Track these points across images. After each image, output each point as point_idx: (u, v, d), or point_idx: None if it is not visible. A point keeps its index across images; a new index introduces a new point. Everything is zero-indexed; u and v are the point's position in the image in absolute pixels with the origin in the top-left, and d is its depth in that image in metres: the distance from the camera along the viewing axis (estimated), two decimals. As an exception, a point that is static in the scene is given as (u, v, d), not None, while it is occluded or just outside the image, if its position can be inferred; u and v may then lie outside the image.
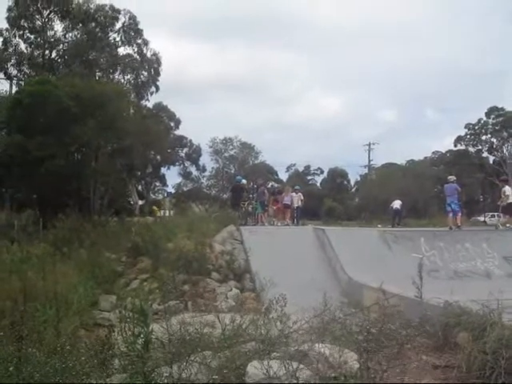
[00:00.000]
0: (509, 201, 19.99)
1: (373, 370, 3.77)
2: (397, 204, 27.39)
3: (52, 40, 33.06)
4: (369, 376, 3.62)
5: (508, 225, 19.72)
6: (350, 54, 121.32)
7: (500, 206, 20.46)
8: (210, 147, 70.39)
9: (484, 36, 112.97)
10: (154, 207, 28.29)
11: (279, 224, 21.82)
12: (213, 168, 71.71)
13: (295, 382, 3.60)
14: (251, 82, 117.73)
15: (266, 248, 14.84)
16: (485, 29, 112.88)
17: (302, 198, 24.15)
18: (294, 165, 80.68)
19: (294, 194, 23.73)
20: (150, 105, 39.67)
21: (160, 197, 55.24)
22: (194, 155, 61.82)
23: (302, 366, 3.96)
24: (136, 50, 34.77)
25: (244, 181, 23.20)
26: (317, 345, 4.33)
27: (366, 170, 74.14)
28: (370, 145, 72.20)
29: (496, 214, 51.11)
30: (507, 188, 20.38)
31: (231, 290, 13.66)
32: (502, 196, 20.13)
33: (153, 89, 36.72)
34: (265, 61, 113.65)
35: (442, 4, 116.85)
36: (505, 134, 63.75)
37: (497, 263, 15.30)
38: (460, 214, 19.43)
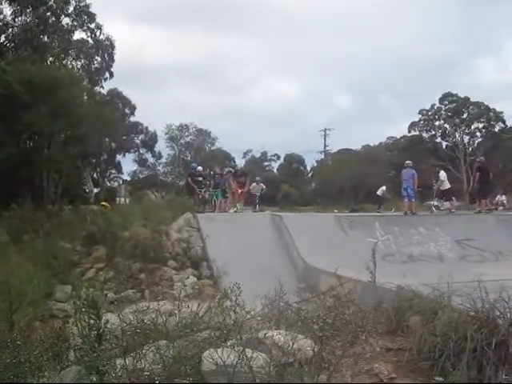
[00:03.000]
0: (445, 186, 20.51)
1: (327, 359, 3.82)
2: (379, 190, 27.71)
3: (0, 24, 32.03)
4: (323, 364, 3.66)
5: (442, 208, 20.38)
6: (306, 39, 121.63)
7: (435, 191, 20.95)
8: (166, 134, 69.87)
9: (439, 23, 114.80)
10: (103, 203, 27.55)
11: (231, 211, 21.63)
12: (169, 155, 71.22)
13: (249, 369, 3.63)
14: (207, 67, 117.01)
15: (223, 235, 14.85)
16: (440, 16, 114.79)
17: (264, 187, 25.08)
18: (251, 151, 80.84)
19: (254, 184, 24.34)
20: (104, 91, 38.96)
21: (115, 184, 54.69)
22: (150, 142, 61.07)
23: (256, 353, 3.99)
24: (89, 34, 33.98)
25: (200, 167, 23.03)
26: (272, 332, 4.37)
27: (322, 156, 74.98)
28: (325, 130, 73.05)
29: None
30: (442, 173, 20.87)
31: (188, 277, 13.64)
32: (439, 181, 20.66)
33: (107, 75, 36.02)
34: (221, 46, 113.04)
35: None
36: (457, 120, 65.17)
37: (449, 246, 15.64)
38: (414, 200, 19.78)
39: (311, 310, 5.02)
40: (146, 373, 3.94)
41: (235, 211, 21.08)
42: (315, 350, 3.88)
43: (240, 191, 21.45)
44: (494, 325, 4.32)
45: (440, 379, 4.00)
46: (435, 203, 22.44)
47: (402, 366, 4.74)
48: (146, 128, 59.36)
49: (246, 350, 3.99)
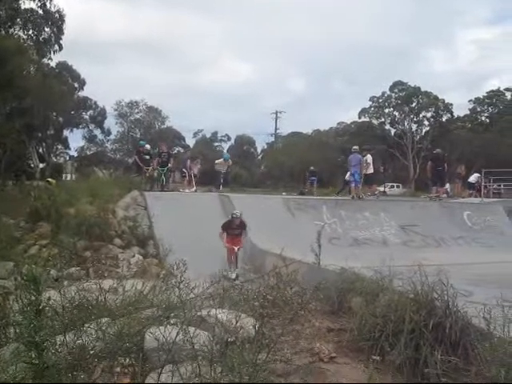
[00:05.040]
0: (369, 171, 20.71)
1: (269, 337, 3.86)
2: (347, 175, 27.76)
3: None
4: (263, 341, 3.71)
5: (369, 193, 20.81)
6: (263, 22, 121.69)
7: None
8: (116, 110, 68.81)
9: (394, 11, 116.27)
10: (49, 179, 26.82)
11: (187, 190, 21.74)
12: (118, 132, 70.20)
13: (191, 346, 3.64)
14: (160, 44, 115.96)
15: (170, 214, 14.74)
16: (395, 4, 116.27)
17: (231, 163, 25.52)
18: (202, 131, 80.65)
19: (221, 160, 24.57)
20: (52, 63, 37.87)
21: (62, 160, 53.54)
22: (99, 118, 59.95)
23: (199, 331, 4.01)
24: (38, 4, 32.84)
25: (147, 146, 22.81)
26: (215, 310, 4.39)
27: (272, 138, 75.30)
28: (276, 113, 73.30)
29: (395, 184, 53.54)
30: (369, 156, 21.06)
31: (134, 256, 13.48)
32: (364, 165, 20.74)
33: (56, 47, 34.95)
34: (176, 23, 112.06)
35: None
36: (406, 108, 66.47)
37: (393, 232, 15.96)
38: (360, 185, 20.05)
39: (255, 289, 5.06)
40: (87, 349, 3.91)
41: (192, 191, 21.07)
42: (258, 328, 3.92)
43: (237, 248, 13.05)
44: (431, 307, 4.45)
45: (377, 358, 4.11)
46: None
47: (343, 346, 4.84)
48: (95, 103, 58.23)
49: (190, 327, 4.00)
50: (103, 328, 4.12)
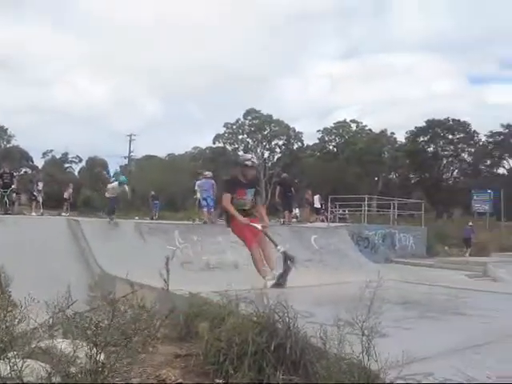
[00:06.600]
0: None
1: (115, 367, 3.80)
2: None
3: None
4: (110, 373, 3.65)
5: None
6: (119, 42, 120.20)
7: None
8: (-48, 127, 64.41)
9: (250, 40, 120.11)
10: None
11: (33, 214, 20.97)
12: (-45, 151, 65.59)
13: (26, 381, 3.50)
14: (7, 58, 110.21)
15: (11, 240, 13.88)
16: (251, 33, 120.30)
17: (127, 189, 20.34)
18: (51, 151, 77.85)
19: (116, 184, 19.84)
20: None
21: None
22: None
23: (38, 364, 3.86)
24: None
25: None
26: (57, 341, 4.25)
27: (126, 161, 74.33)
28: (131, 136, 72.57)
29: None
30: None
31: (-29, 285, 12.61)
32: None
33: None
34: (25, 37, 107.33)
35: (217, 8, 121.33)
36: (259, 135, 68.86)
37: (245, 255, 16.24)
38: (212, 210, 20.36)
39: (101, 318, 4.95)
40: None
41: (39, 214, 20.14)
42: (101, 358, 3.85)
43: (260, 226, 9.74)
44: (273, 329, 4.62)
45: (220, 381, 4.19)
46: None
47: (190, 371, 4.88)
48: None
49: (28, 360, 3.83)
50: None
